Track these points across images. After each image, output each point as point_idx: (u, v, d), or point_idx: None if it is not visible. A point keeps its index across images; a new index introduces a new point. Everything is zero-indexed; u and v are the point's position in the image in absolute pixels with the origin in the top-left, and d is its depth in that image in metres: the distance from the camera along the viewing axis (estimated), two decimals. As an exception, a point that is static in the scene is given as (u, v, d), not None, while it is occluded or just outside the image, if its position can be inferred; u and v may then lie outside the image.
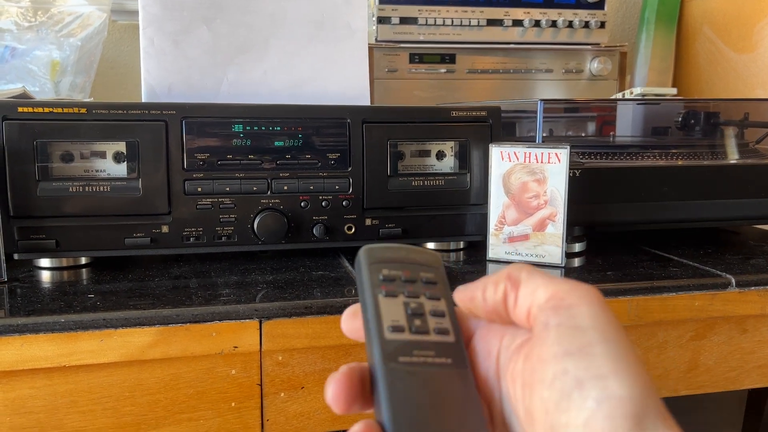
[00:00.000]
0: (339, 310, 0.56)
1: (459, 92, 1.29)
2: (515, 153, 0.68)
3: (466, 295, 0.33)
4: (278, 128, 0.67)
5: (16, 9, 1.30)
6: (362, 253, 0.36)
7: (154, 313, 0.53)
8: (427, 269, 0.36)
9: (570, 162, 0.66)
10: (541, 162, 0.67)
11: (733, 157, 0.88)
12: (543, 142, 0.74)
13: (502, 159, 0.68)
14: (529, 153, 0.67)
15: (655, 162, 0.75)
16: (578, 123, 1.05)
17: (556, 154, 0.66)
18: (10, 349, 0.50)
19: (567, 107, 0.86)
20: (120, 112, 0.63)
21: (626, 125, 1.05)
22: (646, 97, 1.10)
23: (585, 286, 0.30)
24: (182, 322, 0.53)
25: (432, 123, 0.70)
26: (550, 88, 1.33)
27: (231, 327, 0.54)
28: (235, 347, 0.54)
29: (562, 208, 0.67)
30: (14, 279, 0.62)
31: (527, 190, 0.68)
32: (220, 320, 0.54)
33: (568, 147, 0.66)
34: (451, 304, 0.35)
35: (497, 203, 0.69)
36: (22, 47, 1.29)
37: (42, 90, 1.26)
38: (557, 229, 0.67)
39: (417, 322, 0.33)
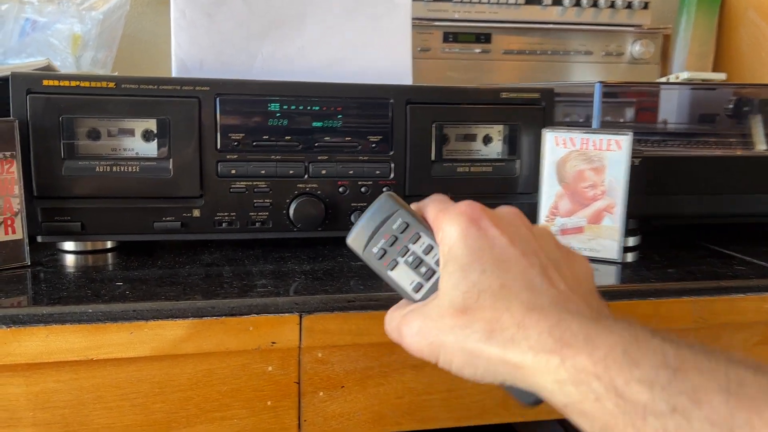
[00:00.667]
0: (384, 305, 0.51)
1: (493, 74, 1.24)
2: (571, 139, 0.63)
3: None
4: (317, 108, 0.62)
5: (37, -19, 1.26)
6: (352, 246, 0.43)
7: (187, 305, 0.49)
8: (393, 220, 0.42)
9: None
10: (600, 149, 0.62)
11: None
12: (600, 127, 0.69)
13: (556, 145, 0.63)
14: (587, 139, 0.62)
15: (721, 151, 0.69)
16: (619, 107, 1.00)
17: (617, 141, 0.61)
18: (35, 340, 0.47)
19: (622, 90, 0.81)
20: (151, 87, 0.59)
21: (671, 112, 0.99)
22: (695, 82, 1.04)
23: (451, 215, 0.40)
24: (218, 315, 0.49)
25: (481, 105, 0.65)
26: (588, 72, 1.27)
27: (269, 321, 0.50)
28: (273, 343, 0.51)
29: (621, 200, 0.62)
30: (37, 263, 0.58)
31: (583, 179, 0.63)
32: (257, 314, 0.50)
33: (631, 134, 0.61)
34: (423, 222, 0.42)
35: (549, 193, 0.64)
36: (42, 20, 1.25)
37: (63, 65, 1.22)
38: (614, 221, 0.62)
39: (422, 269, 0.42)
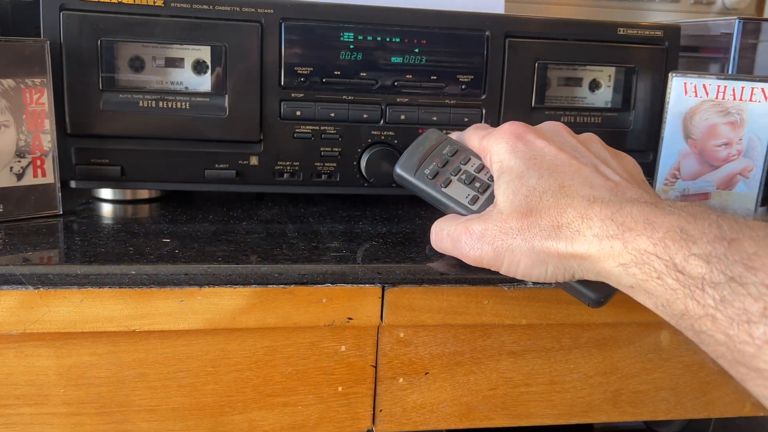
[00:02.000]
0: (484, 280, 0.42)
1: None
2: (705, 86, 0.52)
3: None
4: (397, 39, 0.52)
5: None
6: (401, 173, 0.44)
7: (250, 270, 0.40)
8: (442, 147, 0.45)
9: (778, 101, 0.50)
10: (741, 99, 0.51)
11: None
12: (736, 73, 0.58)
13: (685, 93, 0.52)
14: (724, 87, 0.51)
15: None
16: (702, 62, 0.87)
17: (763, 90, 0.50)
18: (68, 305, 0.39)
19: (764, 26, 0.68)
20: (205, 7, 0.50)
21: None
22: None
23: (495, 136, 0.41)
24: (286, 283, 0.40)
25: (594, 42, 0.55)
26: (674, 20, 1.14)
27: (346, 293, 0.41)
28: (350, 319, 0.42)
29: (761, 162, 0.51)
30: (71, 212, 0.50)
31: (716, 135, 0.52)
32: (333, 283, 0.41)
33: (783, 81, 0.50)
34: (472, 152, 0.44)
35: (672, 150, 0.54)
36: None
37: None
38: (751, 188, 0.52)
39: (476, 183, 0.43)
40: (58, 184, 0.49)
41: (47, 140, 0.47)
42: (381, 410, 0.45)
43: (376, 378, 0.45)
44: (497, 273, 0.39)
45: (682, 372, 0.48)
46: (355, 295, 0.41)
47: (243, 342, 0.42)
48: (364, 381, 0.44)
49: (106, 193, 0.54)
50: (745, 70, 0.59)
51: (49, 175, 0.48)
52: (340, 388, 0.44)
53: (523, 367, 0.46)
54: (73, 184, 0.51)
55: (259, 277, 0.40)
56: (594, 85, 0.57)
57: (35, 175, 0.47)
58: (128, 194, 0.55)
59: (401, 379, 0.45)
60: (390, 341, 0.44)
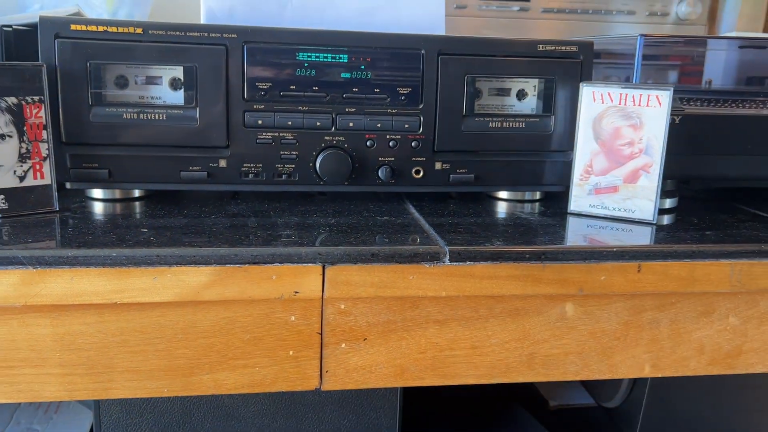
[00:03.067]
0: (407, 258, 0.51)
1: (532, 33, 1.20)
2: (609, 94, 0.60)
3: None
4: (346, 58, 0.61)
5: (73, -65, 1.25)
6: None
7: (211, 252, 0.49)
8: None
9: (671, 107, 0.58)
10: (639, 105, 0.59)
11: None
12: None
13: (593, 100, 0.61)
14: (626, 94, 0.60)
15: (761, 110, 0.66)
16: (662, 69, 0.96)
17: (657, 97, 0.59)
18: (60, 282, 0.47)
19: (658, 53, 0.77)
20: (178, 33, 0.58)
21: (717, 73, 0.95)
22: (744, 37, 0.99)
23: None
24: (241, 263, 0.49)
25: (516, 57, 0.63)
26: (631, 32, 1.22)
27: (292, 270, 0.50)
28: (296, 292, 0.50)
29: (659, 158, 0.59)
30: (66, 209, 0.59)
31: (620, 136, 0.60)
32: (281, 263, 0.49)
33: (671, 89, 0.58)
34: None
35: (584, 150, 0.62)
36: (79, -24, 1.25)
37: (98, 20, 1.22)
38: (651, 181, 0.60)
39: None
40: (55, 185, 0.57)
41: (45, 148, 0.56)
42: (327, 371, 0.53)
43: (321, 344, 0.53)
44: (419, 252, 0.47)
45: (587, 338, 0.56)
46: (299, 273, 0.50)
47: (207, 313, 0.51)
48: (311, 346, 0.53)
49: (97, 192, 0.63)
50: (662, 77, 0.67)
51: (46, 177, 0.57)
52: (291, 352, 0.53)
53: (448, 333, 0.54)
54: (68, 185, 0.60)
55: (218, 258, 0.49)
56: (521, 94, 0.66)
57: (35, 177, 0.56)
58: (117, 194, 0.63)
59: (343, 345, 0.53)
60: (333, 312, 0.52)
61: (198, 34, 0.58)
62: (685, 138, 0.63)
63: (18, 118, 0.54)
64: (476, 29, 1.18)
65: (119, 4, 1.29)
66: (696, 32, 1.24)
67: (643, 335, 0.57)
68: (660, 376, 0.58)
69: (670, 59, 0.78)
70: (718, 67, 0.94)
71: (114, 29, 0.57)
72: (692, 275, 0.55)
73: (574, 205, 0.63)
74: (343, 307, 0.52)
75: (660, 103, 0.59)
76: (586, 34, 1.21)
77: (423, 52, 0.61)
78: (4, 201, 0.55)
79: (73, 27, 0.57)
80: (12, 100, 0.54)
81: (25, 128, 0.55)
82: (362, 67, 0.61)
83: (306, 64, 0.60)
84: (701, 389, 0.76)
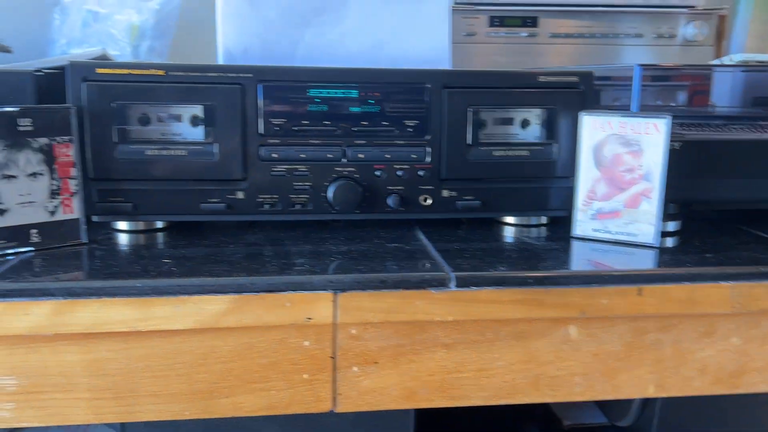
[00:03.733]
0: (415, 284, 0.53)
1: (540, 58, 1.23)
2: (609, 123, 0.63)
3: None
4: (354, 93, 0.64)
5: (98, -27, 1.31)
6: None
7: (229, 281, 0.52)
8: None
9: (670, 133, 0.60)
10: (638, 133, 0.62)
11: None
12: (639, 111, 0.68)
13: (594, 129, 0.63)
14: (625, 123, 0.62)
15: (763, 135, 0.68)
16: (669, 91, 0.98)
17: (655, 125, 0.61)
18: (88, 312, 0.50)
19: (663, 74, 0.79)
20: (197, 74, 0.62)
21: (724, 95, 0.96)
22: (750, 64, 1.01)
23: None
24: (257, 291, 0.52)
25: (517, 89, 0.66)
26: (638, 55, 1.25)
27: (305, 298, 0.52)
28: (309, 319, 0.53)
29: (658, 184, 0.61)
30: (93, 241, 0.62)
31: (621, 162, 0.63)
32: (294, 290, 0.52)
33: (669, 117, 0.60)
34: None
35: (587, 177, 0.64)
36: (103, 11, 1.31)
37: (122, 54, 1.28)
38: (652, 206, 0.62)
39: None
40: (83, 219, 0.61)
41: (74, 184, 0.60)
42: (340, 394, 0.56)
43: (334, 367, 0.55)
44: (426, 278, 0.49)
45: (591, 360, 0.58)
46: (312, 300, 0.53)
47: (226, 339, 0.54)
48: (324, 370, 0.55)
49: (122, 224, 0.66)
50: (655, 107, 0.69)
51: (75, 212, 0.60)
52: (305, 376, 0.55)
53: (455, 356, 0.56)
54: (95, 218, 0.64)
55: (235, 286, 0.52)
56: (525, 123, 0.68)
57: (64, 212, 0.60)
58: (141, 225, 0.67)
59: (355, 368, 0.56)
60: (344, 337, 0.55)
61: (216, 74, 0.62)
62: (686, 163, 0.65)
63: (49, 157, 0.58)
64: (486, 55, 1.21)
65: (141, 38, 1.34)
66: (703, 54, 1.25)
67: (647, 356, 0.59)
68: (664, 396, 0.59)
69: (676, 80, 0.80)
70: (724, 88, 0.96)
71: (137, 71, 0.61)
72: (692, 297, 0.56)
73: (578, 230, 0.65)
74: (354, 332, 0.55)
75: (658, 131, 0.61)
76: (593, 58, 1.23)
77: (428, 85, 0.64)
78: (37, 234, 0.58)
79: (99, 71, 0.60)
80: (43, 140, 0.58)
81: (55, 166, 0.59)
82: (371, 101, 0.64)
83: (317, 100, 0.64)
84: (711, 408, 0.77)
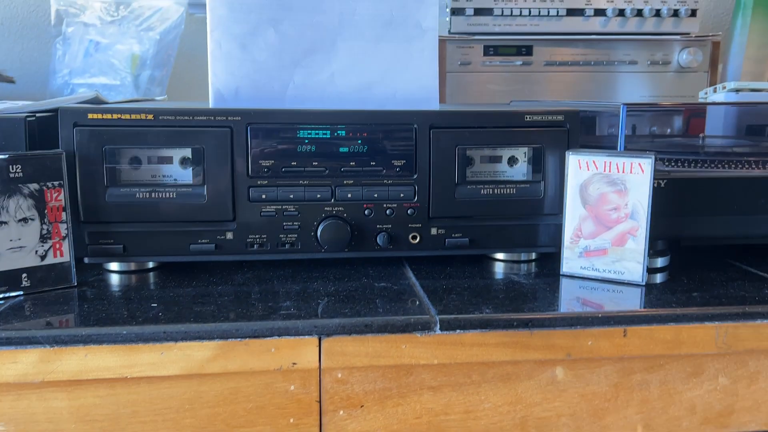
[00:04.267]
0: (400, 328, 0.54)
1: (536, 86, 1.23)
2: (594, 162, 0.63)
3: None
4: (343, 134, 0.65)
5: (100, 4, 1.33)
6: None
7: (213, 327, 0.52)
8: None
9: (654, 172, 0.61)
10: (623, 172, 0.62)
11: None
12: (625, 148, 0.69)
13: (579, 168, 0.64)
14: (609, 162, 0.62)
15: (751, 172, 0.68)
16: (663, 120, 0.98)
17: (639, 164, 0.61)
18: (75, 359, 0.51)
19: (652, 109, 0.80)
20: (186, 118, 0.63)
21: (717, 122, 0.97)
22: (740, 93, 1.01)
23: None
24: (241, 337, 0.52)
25: (504, 128, 0.66)
26: (634, 82, 1.26)
27: (290, 343, 0.53)
28: (294, 363, 0.53)
29: (644, 222, 0.62)
30: (83, 283, 0.63)
31: (606, 201, 0.63)
32: (279, 336, 0.53)
33: (653, 157, 0.61)
34: None
35: (573, 215, 0.64)
36: (105, 41, 1.33)
37: (122, 83, 1.30)
38: (638, 244, 0.62)
39: None
40: (73, 262, 0.61)
41: (64, 228, 0.61)
42: (326, 437, 0.56)
43: (320, 411, 0.55)
44: (411, 322, 0.49)
45: (578, 400, 0.58)
46: (297, 345, 0.53)
47: (213, 384, 0.54)
48: (311, 414, 0.55)
49: (113, 265, 0.67)
50: (643, 138, 0.70)
51: (65, 255, 0.61)
52: (292, 420, 0.55)
53: (441, 399, 0.56)
54: (86, 260, 0.64)
55: (220, 332, 0.52)
56: (512, 161, 0.69)
57: (55, 256, 0.60)
58: (132, 266, 0.67)
59: (341, 412, 0.56)
60: (330, 380, 0.55)
61: (205, 117, 0.63)
62: (671, 200, 0.65)
63: (39, 202, 0.59)
64: (481, 84, 1.22)
65: (142, 67, 1.36)
66: (698, 80, 1.26)
67: (634, 396, 0.59)
68: (653, 436, 0.59)
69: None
70: (717, 116, 0.96)
71: (127, 116, 0.62)
72: (678, 338, 0.56)
73: (566, 267, 0.65)
74: (339, 375, 0.55)
75: (643, 170, 0.61)
76: (588, 86, 1.24)
77: (415, 126, 0.65)
78: (26, 279, 0.59)
79: (90, 116, 0.61)
80: (34, 186, 0.59)
81: (46, 211, 0.59)
82: (359, 141, 0.65)
83: (306, 141, 0.64)
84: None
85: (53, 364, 0.51)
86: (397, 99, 0.72)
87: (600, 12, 1.20)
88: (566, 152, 0.64)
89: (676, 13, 1.21)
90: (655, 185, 0.63)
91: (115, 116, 0.62)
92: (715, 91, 1.11)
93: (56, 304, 0.57)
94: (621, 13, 1.20)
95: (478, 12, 1.20)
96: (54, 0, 1.29)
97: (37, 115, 0.65)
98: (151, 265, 0.68)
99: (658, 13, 1.21)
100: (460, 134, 0.66)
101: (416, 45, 0.73)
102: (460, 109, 0.67)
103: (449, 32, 1.20)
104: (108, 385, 0.53)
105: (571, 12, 1.20)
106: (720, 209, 0.66)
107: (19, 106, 0.70)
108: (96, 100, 0.73)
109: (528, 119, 0.67)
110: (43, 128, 0.66)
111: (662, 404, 0.59)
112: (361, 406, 0.56)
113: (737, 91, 1.05)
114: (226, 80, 0.70)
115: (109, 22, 1.34)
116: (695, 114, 0.98)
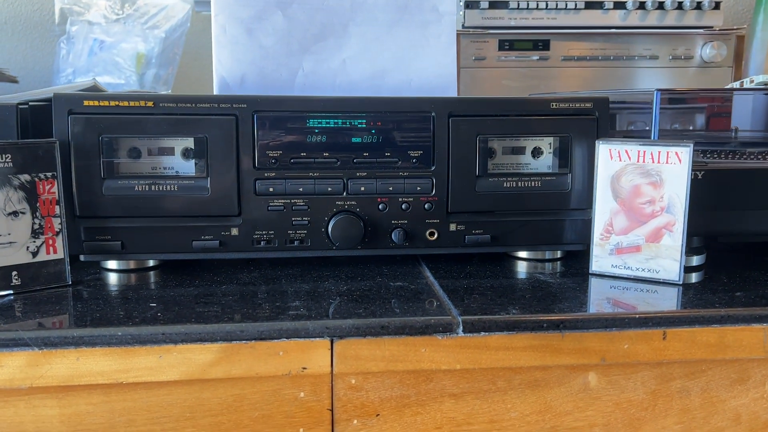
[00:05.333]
0: (419, 330, 0.49)
1: (552, 81, 1.19)
2: (627, 151, 0.58)
3: None
4: (355, 123, 0.60)
5: (105, 2, 1.30)
6: None
7: (216, 328, 0.48)
8: None
9: (692, 162, 0.56)
10: (658, 162, 0.57)
11: None
12: (659, 138, 0.64)
13: (611, 158, 0.59)
14: (644, 151, 0.58)
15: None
16: (686, 114, 0.94)
17: (677, 153, 0.57)
18: (66, 363, 0.47)
19: (684, 97, 0.75)
20: (188, 105, 0.59)
21: (744, 117, 0.92)
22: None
23: None
24: (247, 339, 0.48)
25: (528, 116, 0.62)
26: (654, 77, 1.21)
27: (299, 346, 0.48)
28: (304, 368, 0.49)
29: (681, 217, 0.57)
30: (79, 282, 0.58)
31: (640, 194, 0.58)
32: (287, 338, 0.48)
33: (691, 145, 0.56)
34: None
35: (604, 209, 0.60)
36: (110, 40, 1.29)
37: (127, 82, 1.26)
38: (675, 240, 0.58)
39: None
40: (67, 259, 0.57)
41: (58, 223, 0.57)
42: (339, 449, 0.52)
43: (332, 420, 0.51)
44: (431, 323, 0.45)
45: (613, 409, 0.53)
46: (307, 348, 0.49)
47: (215, 390, 0.50)
48: (322, 423, 0.51)
49: (111, 263, 0.63)
50: (673, 132, 0.65)
51: (59, 252, 0.57)
52: (301, 430, 0.51)
53: (464, 407, 0.52)
54: (82, 257, 0.60)
55: (224, 334, 0.48)
56: (536, 152, 0.64)
57: (48, 252, 0.56)
58: (131, 264, 0.63)
59: (355, 421, 0.51)
60: (343, 387, 0.51)
61: (208, 105, 0.59)
62: (709, 193, 0.60)
63: (31, 194, 0.55)
64: (496, 80, 1.18)
65: (147, 66, 1.33)
66: (722, 75, 1.21)
67: (673, 405, 0.54)
68: (694, 448, 0.55)
69: (694, 102, 0.76)
70: (744, 110, 0.91)
71: (125, 103, 0.58)
72: (722, 341, 0.52)
73: (595, 266, 0.61)
74: (353, 381, 0.50)
75: (680, 160, 0.57)
76: (607, 81, 1.20)
77: (433, 114, 0.61)
78: (17, 277, 0.55)
79: (86, 103, 0.57)
80: (25, 177, 0.55)
81: (38, 204, 0.55)
82: (372, 131, 0.61)
83: (316, 131, 0.60)
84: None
85: (42, 368, 0.46)
86: (413, 87, 0.68)
87: (620, 5, 1.16)
88: (596, 141, 0.60)
89: (699, 6, 1.17)
90: (692, 177, 0.58)
91: (112, 103, 0.58)
92: (741, 85, 1.07)
93: (48, 303, 0.53)
94: (642, 5, 1.16)
95: (493, 5, 1.15)
96: (58, -1, 1.26)
97: (31, 103, 0.61)
98: (151, 263, 0.63)
99: (680, 6, 1.16)
100: (481, 123, 0.61)
101: (433, 30, 0.68)
102: (481, 96, 0.63)
103: (463, 26, 1.16)
104: (102, 391, 0.48)
105: (590, 5, 1.16)
106: (761, 203, 0.61)
107: (12, 96, 0.67)
108: (93, 89, 0.69)
109: (554, 107, 0.62)
110: (37, 117, 0.62)
111: (704, 414, 0.54)
112: (377, 415, 0.51)
113: (766, 84, 1.00)
114: (231, 67, 0.66)
115: (114, 21, 1.30)
116: (721, 105, 0.93)
